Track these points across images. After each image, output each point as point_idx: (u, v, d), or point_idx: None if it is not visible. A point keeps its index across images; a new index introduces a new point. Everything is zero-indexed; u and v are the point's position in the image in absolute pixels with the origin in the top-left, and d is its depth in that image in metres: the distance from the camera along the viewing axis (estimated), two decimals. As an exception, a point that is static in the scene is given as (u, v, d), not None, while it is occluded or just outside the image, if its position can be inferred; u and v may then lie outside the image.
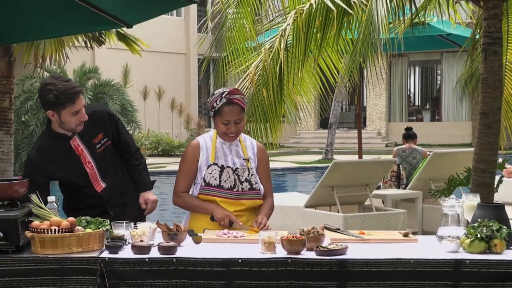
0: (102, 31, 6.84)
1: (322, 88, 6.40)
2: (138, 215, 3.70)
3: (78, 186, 3.67)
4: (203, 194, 3.60)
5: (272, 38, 5.79)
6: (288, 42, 5.44)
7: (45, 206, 3.08)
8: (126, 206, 3.75)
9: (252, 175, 3.63)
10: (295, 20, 5.33)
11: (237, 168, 3.61)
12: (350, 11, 5.03)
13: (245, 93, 5.57)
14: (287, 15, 5.67)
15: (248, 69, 5.85)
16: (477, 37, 5.98)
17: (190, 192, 3.67)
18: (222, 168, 3.59)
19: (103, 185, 3.68)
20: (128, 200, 3.78)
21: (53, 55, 7.06)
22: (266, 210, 3.67)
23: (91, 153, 3.64)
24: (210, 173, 3.58)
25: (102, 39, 7.04)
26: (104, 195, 3.69)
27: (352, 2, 5.08)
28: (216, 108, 3.56)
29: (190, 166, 3.64)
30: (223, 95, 3.54)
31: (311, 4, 5.36)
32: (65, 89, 3.45)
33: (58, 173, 3.64)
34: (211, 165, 3.59)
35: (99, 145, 3.67)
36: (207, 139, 3.67)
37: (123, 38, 7.34)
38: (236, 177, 3.60)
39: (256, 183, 3.64)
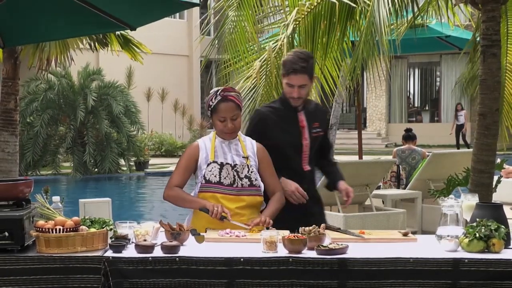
0: (106, 34, 6.90)
1: (323, 91, 6.44)
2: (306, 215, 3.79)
3: (289, 157, 3.85)
4: (204, 192, 3.63)
5: (275, 35, 5.84)
6: (294, 44, 5.50)
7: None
8: (318, 200, 3.99)
9: (251, 172, 3.67)
10: (299, 22, 5.39)
11: (236, 164, 3.66)
12: (354, 5, 5.09)
13: (252, 94, 5.64)
14: (287, 15, 5.71)
15: (250, 70, 5.90)
16: (477, 39, 6.02)
17: (192, 194, 3.71)
18: (221, 165, 3.64)
19: (308, 167, 3.92)
20: (318, 196, 4.01)
21: (58, 57, 7.12)
22: (271, 207, 3.68)
23: (309, 131, 3.90)
24: (210, 171, 3.62)
25: (106, 42, 7.10)
26: (306, 176, 3.90)
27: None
28: (212, 106, 3.64)
29: (187, 163, 3.68)
30: (218, 93, 3.64)
31: (312, 4, 5.41)
32: (288, 60, 3.79)
33: (278, 135, 3.84)
34: (210, 163, 3.64)
35: (315, 130, 3.93)
36: (206, 140, 3.73)
37: (126, 43, 7.40)
38: (235, 173, 3.64)
39: (256, 179, 3.68)
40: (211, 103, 3.65)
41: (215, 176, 3.62)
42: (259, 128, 3.86)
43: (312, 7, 5.45)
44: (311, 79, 3.83)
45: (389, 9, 4.88)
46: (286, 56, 3.89)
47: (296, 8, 5.46)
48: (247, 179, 3.66)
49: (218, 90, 3.65)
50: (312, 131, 3.91)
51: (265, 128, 3.84)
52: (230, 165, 3.65)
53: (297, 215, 3.67)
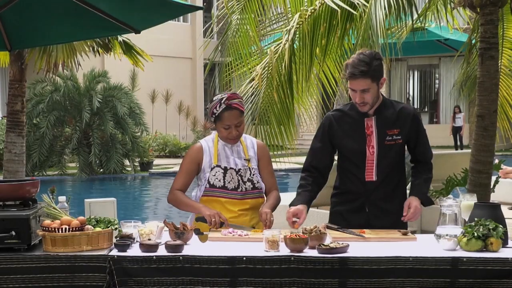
0: (110, 39, 6.98)
1: (324, 92, 6.49)
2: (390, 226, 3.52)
3: (351, 162, 3.58)
4: (208, 196, 3.67)
5: (277, 41, 5.88)
6: (294, 47, 5.54)
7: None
8: (385, 213, 3.59)
9: (253, 174, 3.71)
10: (300, 25, 5.43)
11: (240, 169, 3.69)
12: (353, 11, 5.13)
13: (254, 96, 5.68)
14: (290, 20, 5.76)
15: (252, 73, 5.95)
16: (473, 41, 6.08)
17: (194, 194, 3.75)
18: (225, 169, 3.67)
19: (374, 178, 3.56)
20: (389, 209, 3.59)
21: (65, 61, 7.19)
22: (270, 202, 3.70)
23: (378, 139, 3.54)
24: (214, 175, 3.66)
25: (110, 46, 7.17)
26: (368, 188, 3.57)
27: (356, 3, 5.18)
28: (216, 114, 3.63)
29: (189, 166, 3.71)
30: (222, 101, 3.61)
31: (315, 9, 5.45)
32: (349, 64, 3.46)
33: (341, 139, 3.60)
34: (214, 167, 3.67)
35: (390, 138, 3.55)
36: (209, 142, 3.75)
37: (128, 50, 7.47)
38: (239, 178, 3.68)
39: (258, 182, 3.72)
40: (215, 111, 3.63)
41: (220, 181, 3.66)
42: (325, 133, 3.64)
43: (313, 10, 5.50)
44: (376, 81, 3.45)
45: (385, 13, 4.92)
46: (350, 58, 3.52)
47: (298, 13, 5.50)
48: (249, 182, 3.70)
49: (222, 99, 3.61)
50: (386, 138, 3.53)
51: (331, 132, 3.62)
52: (234, 169, 3.67)
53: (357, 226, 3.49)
